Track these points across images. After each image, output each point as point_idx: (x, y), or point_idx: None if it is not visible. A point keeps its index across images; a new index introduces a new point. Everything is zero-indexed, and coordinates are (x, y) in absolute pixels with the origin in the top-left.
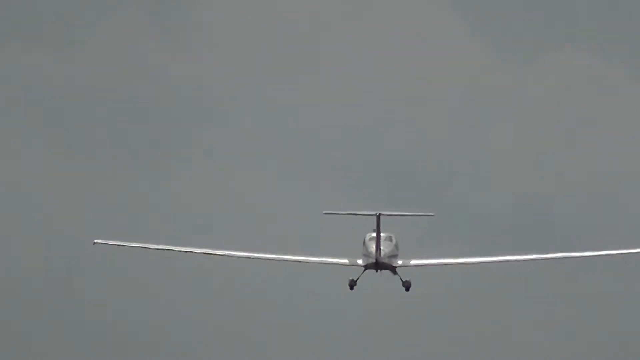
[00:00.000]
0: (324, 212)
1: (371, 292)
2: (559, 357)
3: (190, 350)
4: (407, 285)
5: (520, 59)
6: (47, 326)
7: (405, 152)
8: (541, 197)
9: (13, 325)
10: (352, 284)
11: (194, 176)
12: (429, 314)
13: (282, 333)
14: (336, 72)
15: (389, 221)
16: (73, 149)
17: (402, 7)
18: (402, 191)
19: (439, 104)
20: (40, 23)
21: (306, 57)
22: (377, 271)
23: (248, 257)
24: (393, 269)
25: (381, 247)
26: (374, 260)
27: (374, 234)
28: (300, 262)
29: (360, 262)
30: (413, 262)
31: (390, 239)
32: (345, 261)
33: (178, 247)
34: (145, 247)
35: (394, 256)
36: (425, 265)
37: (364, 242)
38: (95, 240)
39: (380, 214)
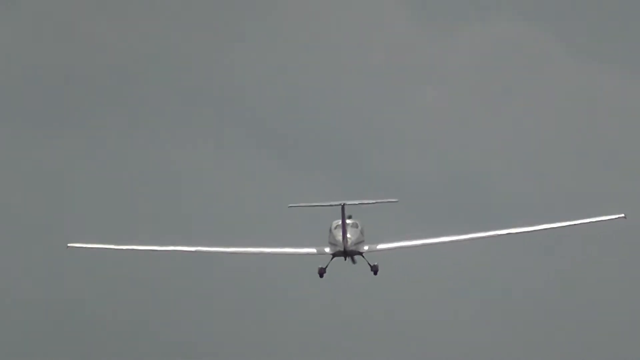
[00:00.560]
0: (290, 205)
1: (341, 278)
2: (525, 334)
3: (161, 346)
4: (375, 269)
5: (450, 29)
6: (21, 330)
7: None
8: (489, 172)
9: None
10: (322, 272)
11: (156, 172)
12: (398, 295)
13: (257, 324)
14: (294, 63)
15: (355, 209)
16: None
17: None
18: (365, 180)
19: (374, 81)
20: None
21: (266, 52)
22: (345, 258)
23: (217, 252)
24: (360, 255)
25: (347, 235)
26: (341, 249)
27: (340, 222)
28: (269, 254)
29: (328, 250)
30: (379, 246)
31: (356, 225)
32: (314, 250)
33: (148, 247)
34: (118, 249)
35: (361, 242)
36: (391, 249)
37: (330, 231)
38: (69, 244)
39: (344, 204)
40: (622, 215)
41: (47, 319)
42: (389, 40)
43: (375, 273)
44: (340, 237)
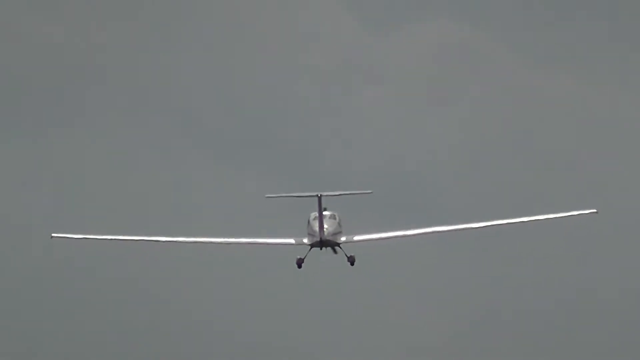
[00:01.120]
0: (267, 195)
1: (318, 269)
2: (501, 324)
3: (142, 337)
4: (351, 260)
5: (389, 27)
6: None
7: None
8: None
9: None
10: (300, 262)
11: (133, 164)
12: (373, 284)
13: (238, 314)
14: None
15: (332, 201)
16: None
17: None
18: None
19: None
20: None
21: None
22: (321, 249)
23: (198, 242)
24: (337, 246)
25: (325, 226)
26: (318, 239)
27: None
28: (248, 244)
29: (306, 241)
30: (356, 237)
31: (333, 217)
32: (292, 241)
33: (130, 237)
34: (101, 239)
35: (338, 233)
36: (368, 240)
37: (308, 222)
38: (53, 234)
39: (321, 195)
40: (594, 210)
41: (32, 310)
42: (328, 39)
43: (352, 264)
44: (317, 228)
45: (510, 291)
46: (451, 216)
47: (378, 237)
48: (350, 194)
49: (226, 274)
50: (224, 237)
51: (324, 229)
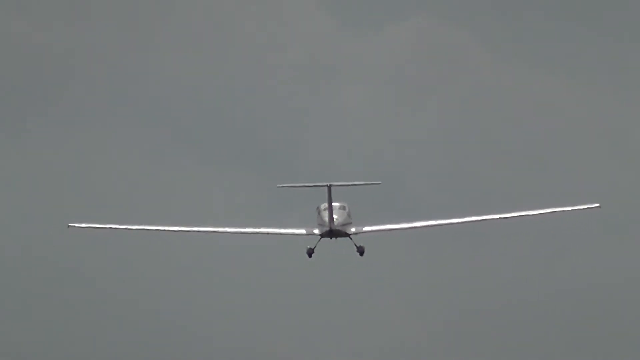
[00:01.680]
0: (279, 185)
1: (329, 259)
2: (507, 316)
3: (154, 324)
4: (361, 251)
5: (368, 27)
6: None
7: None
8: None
9: None
10: (310, 252)
11: (148, 156)
12: (383, 276)
13: (251, 302)
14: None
15: (342, 192)
16: None
17: None
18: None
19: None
20: None
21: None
22: (331, 239)
23: (211, 232)
24: (347, 236)
25: (335, 216)
26: (328, 229)
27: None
28: (260, 234)
29: (316, 231)
30: (366, 228)
31: (343, 207)
32: (303, 231)
33: (146, 226)
34: (118, 228)
35: (348, 224)
36: (377, 231)
37: (318, 212)
38: (70, 224)
39: (331, 185)
40: (597, 205)
41: (49, 297)
42: (307, 38)
43: (362, 254)
44: (327, 218)
45: (515, 284)
46: (458, 210)
47: (388, 228)
48: (359, 184)
49: (240, 263)
50: (236, 227)
51: (334, 220)
